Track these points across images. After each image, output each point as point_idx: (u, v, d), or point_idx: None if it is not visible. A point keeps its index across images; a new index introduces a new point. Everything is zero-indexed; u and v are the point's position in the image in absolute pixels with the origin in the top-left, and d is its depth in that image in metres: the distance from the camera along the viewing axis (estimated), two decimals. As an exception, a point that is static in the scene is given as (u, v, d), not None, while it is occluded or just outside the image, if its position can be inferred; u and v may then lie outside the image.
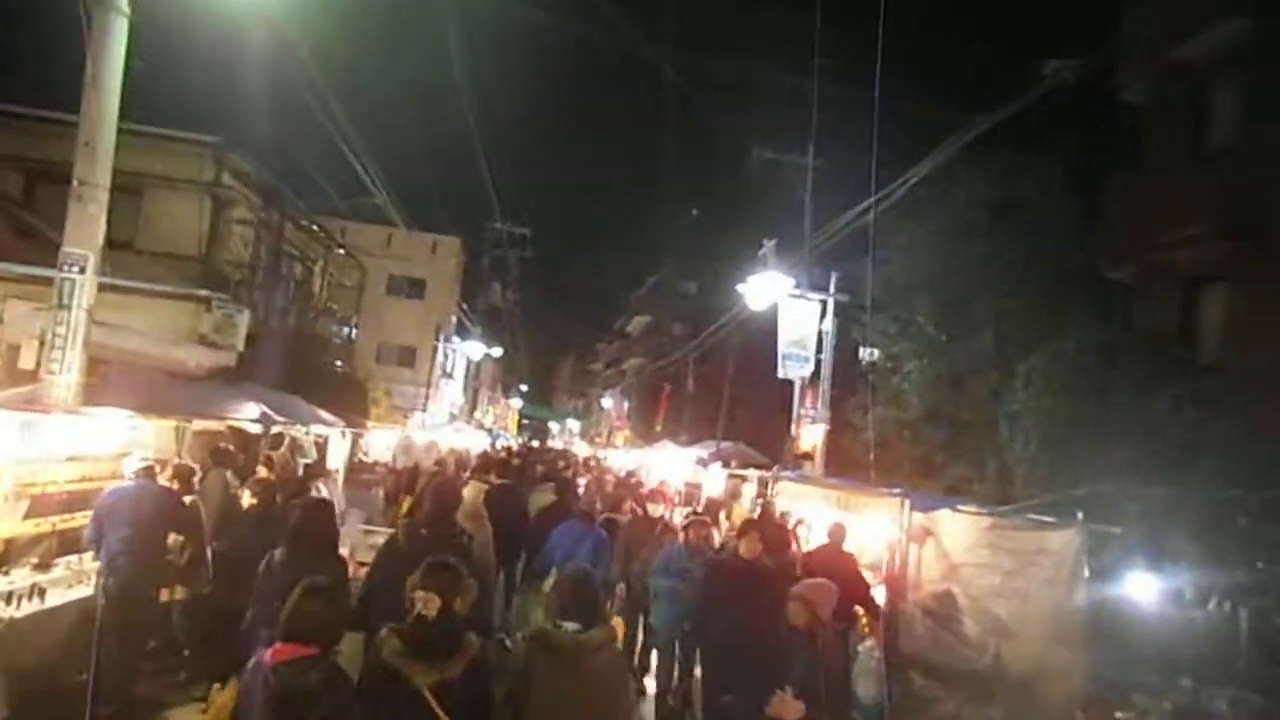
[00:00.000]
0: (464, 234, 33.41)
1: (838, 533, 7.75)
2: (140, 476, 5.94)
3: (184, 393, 8.00)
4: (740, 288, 12.74)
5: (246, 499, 6.21)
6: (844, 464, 13.01)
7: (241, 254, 12.76)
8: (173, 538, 6.08)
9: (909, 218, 11.88)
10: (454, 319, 34.63)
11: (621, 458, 31.21)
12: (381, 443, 18.51)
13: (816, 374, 12.87)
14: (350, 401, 16.16)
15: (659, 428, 32.44)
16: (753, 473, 18.18)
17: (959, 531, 6.93)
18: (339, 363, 18.27)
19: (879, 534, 7.70)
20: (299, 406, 10.12)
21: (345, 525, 11.94)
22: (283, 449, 8.62)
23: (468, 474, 11.36)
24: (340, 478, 11.13)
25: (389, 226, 32.52)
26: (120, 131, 12.76)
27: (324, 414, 10.75)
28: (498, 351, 36.65)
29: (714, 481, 18.57)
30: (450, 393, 32.03)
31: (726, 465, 19.30)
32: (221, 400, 8.26)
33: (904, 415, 11.46)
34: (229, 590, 5.77)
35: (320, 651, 2.95)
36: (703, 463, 20.88)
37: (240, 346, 11.19)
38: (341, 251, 17.35)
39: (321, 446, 10.96)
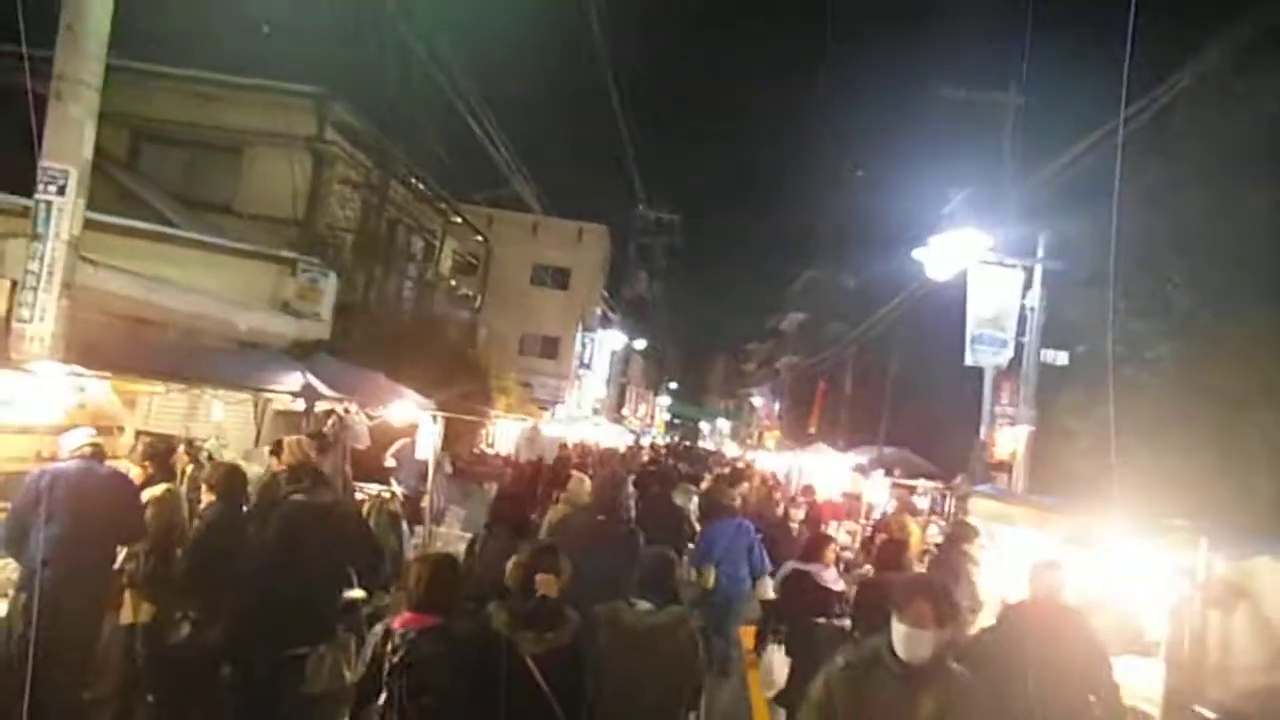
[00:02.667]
0: (610, 221, 32.12)
1: (1047, 578, 5.17)
2: (83, 456, 4.33)
3: (210, 359, 6.47)
4: (918, 253, 10.13)
5: (205, 496, 4.49)
6: (1052, 478, 10.12)
7: (342, 217, 11.50)
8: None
9: (1153, 153, 8.90)
10: (598, 310, 33.31)
11: (770, 460, 28.78)
12: (508, 435, 17.09)
13: (1017, 362, 10.06)
14: (471, 388, 14.71)
15: (813, 429, 29.66)
16: (923, 484, 15.44)
17: (1293, 594, 4.34)
18: (468, 350, 16.95)
19: (1145, 588, 5.09)
20: (372, 384, 8.54)
21: (442, 526, 10.35)
22: (298, 434, 6.93)
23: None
24: (431, 469, 9.49)
25: (534, 214, 31.72)
26: (219, 85, 11.95)
27: (410, 394, 9.13)
28: (641, 343, 34.97)
29: (876, 492, 15.96)
30: (591, 385, 30.65)
31: (889, 474, 16.69)
32: (262, 369, 6.69)
33: (1143, 418, 8.52)
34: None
35: (443, 623, 3.25)
36: (862, 470, 18.30)
37: (325, 315, 9.83)
38: (459, 221, 15.97)
39: (408, 433, 9.39)
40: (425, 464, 9.65)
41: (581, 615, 3.50)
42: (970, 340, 9.87)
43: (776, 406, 35.15)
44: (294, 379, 6.60)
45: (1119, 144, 7.05)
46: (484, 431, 16.12)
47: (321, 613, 4.66)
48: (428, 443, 9.57)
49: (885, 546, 6.52)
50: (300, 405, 6.63)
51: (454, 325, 16.55)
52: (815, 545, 6.03)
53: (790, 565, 5.76)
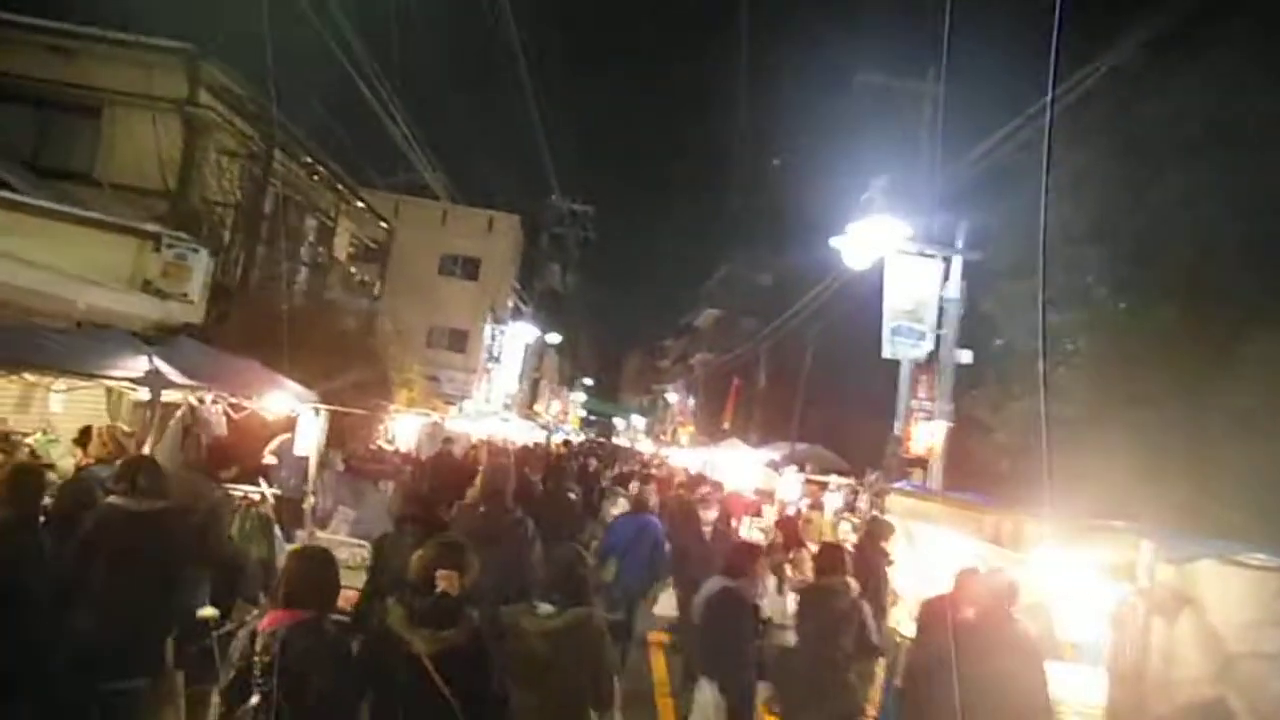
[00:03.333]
0: (522, 211, 31.17)
1: (999, 587, 4.80)
2: None
3: (31, 340, 5.50)
4: (835, 242, 9.77)
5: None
6: (968, 475, 9.93)
7: (220, 191, 10.42)
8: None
9: (1075, 143, 8.75)
10: (510, 303, 32.34)
11: (684, 456, 28.49)
12: (408, 431, 16.12)
13: (934, 355, 9.81)
14: (367, 380, 13.74)
15: (726, 425, 29.49)
16: (835, 480, 15.24)
17: (1236, 598, 4.04)
18: (365, 340, 15.89)
19: (1078, 592, 4.73)
20: (244, 372, 7.62)
21: (327, 529, 9.48)
22: (116, 423, 6.04)
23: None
24: (313, 466, 8.62)
25: (443, 202, 30.53)
26: (73, 37, 10.68)
27: (290, 384, 8.23)
28: (555, 338, 34.16)
29: (789, 488, 15.71)
30: (502, 380, 29.70)
31: (802, 469, 16.49)
32: (98, 353, 5.74)
33: (1063, 411, 8.34)
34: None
35: (317, 616, 3.08)
36: (775, 466, 18.07)
37: (195, 295, 8.81)
38: (359, 204, 14.93)
39: (283, 426, 8.50)
40: (306, 461, 8.78)
41: (479, 611, 3.38)
42: (888, 332, 9.57)
43: (691, 402, 34.90)
44: (139, 364, 5.70)
45: (1048, 124, 6.78)
46: (382, 427, 15.14)
47: (143, 639, 3.87)
48: (308, 438, 8.68)
49: (824, 551, 6.11)
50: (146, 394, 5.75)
51: (351, 314, 15.50)
52: (743, 557, 5.45)
53: (717, 583, 5.12)
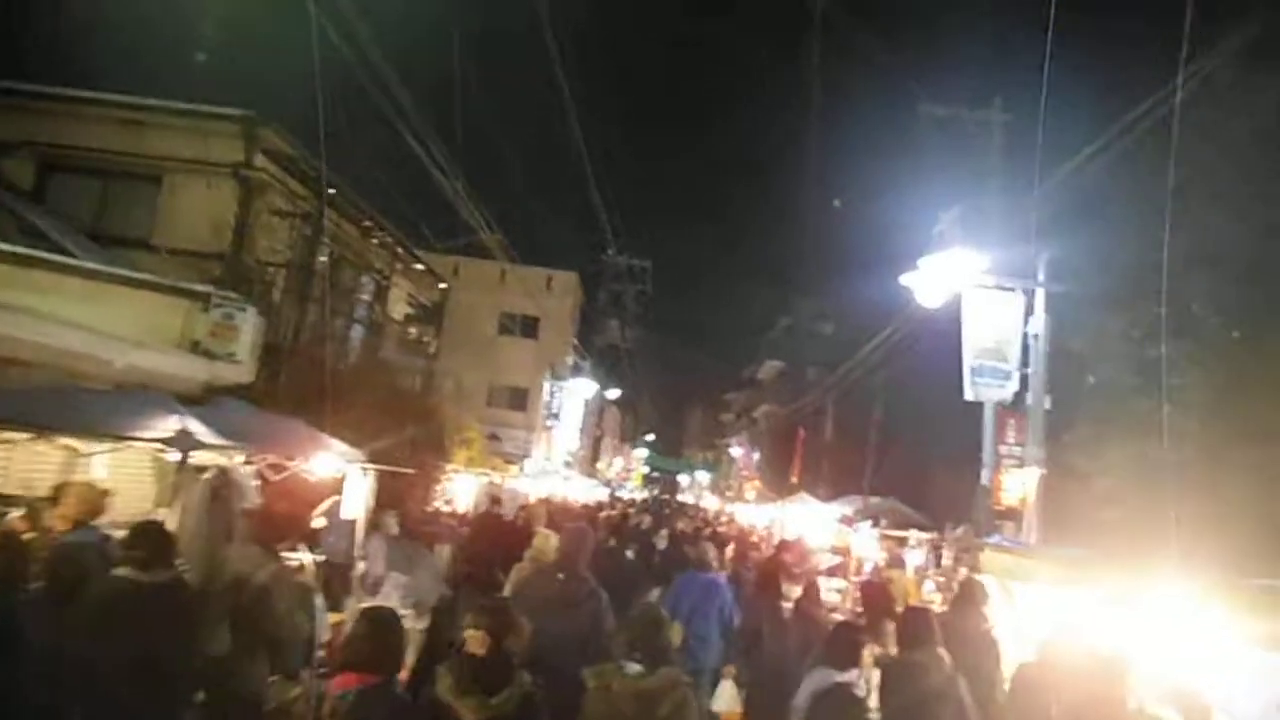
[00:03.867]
0: (579, 268, 31.22)
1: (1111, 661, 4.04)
2: None
3: (60, 401, 5.24)
4: (906, 279, 9.16)
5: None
6: (1064, 528, 9.04)
7: (273, 251, 10.38)
8: None
9: (1158, 163, 8.03)
10: (569, 360, 32.22)
11: (751, 512, 27.57)
12: (466, 491, 15.80)
13: (1021, 397, 9.04)
14: (424, 441, 13.47)
15: (794, 479, 28.49)
16: (914, 535, 14.30)
17: None
18: (422, 400, 15.70)
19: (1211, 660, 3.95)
20: (287, 432, 7.33)
21: (378, 596, 9.06)
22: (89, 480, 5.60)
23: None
24: (360, 530, 8.25)
25: (501, 262, 30.74)
26: (134, 108, 10.88)
27: (336, 444, 7.92)
28: (615, 393, 33.79)
29: (865, 546, 14.83)
30: (562, 437, 29.38)
31: (876, 525, 15.60)
32: (128, 413, 5.46)
33: (1173, 454, 7.47)
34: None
35: (384, 680, 3.07)
36: (848, 521, 17.17)
37: (243, 355, 8.64)
38: (420, 267, 14.89)
39: (333, 488, 8.14)
40: (354, 525, 8.42)
41: (548, 678, 3.34)
42: (969, 373, 8.84)
43: (755, 457, 34.01)
44: (169, 424, 5.40)
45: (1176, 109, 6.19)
46: (439, 488, 14.81)
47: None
48: (355, 500, 8.33)
49: (909, 617, 5.31)
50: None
51: (407, 373, 15.35)
52: (850, 641, 4.65)
53: (825, 677, 4.32)
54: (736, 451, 44.29)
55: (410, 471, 8.91)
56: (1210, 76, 7.81)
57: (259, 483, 6.32)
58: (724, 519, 28.21)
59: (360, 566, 9.32)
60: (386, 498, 11.84)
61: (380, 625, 3.24)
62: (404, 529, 12.16)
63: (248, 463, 6.10)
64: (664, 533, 11.45)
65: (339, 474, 8.12)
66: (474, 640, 3.22)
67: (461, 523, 13.29)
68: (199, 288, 8.57)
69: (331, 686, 3.08)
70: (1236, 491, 7.00)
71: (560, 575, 4.91)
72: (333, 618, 7.56)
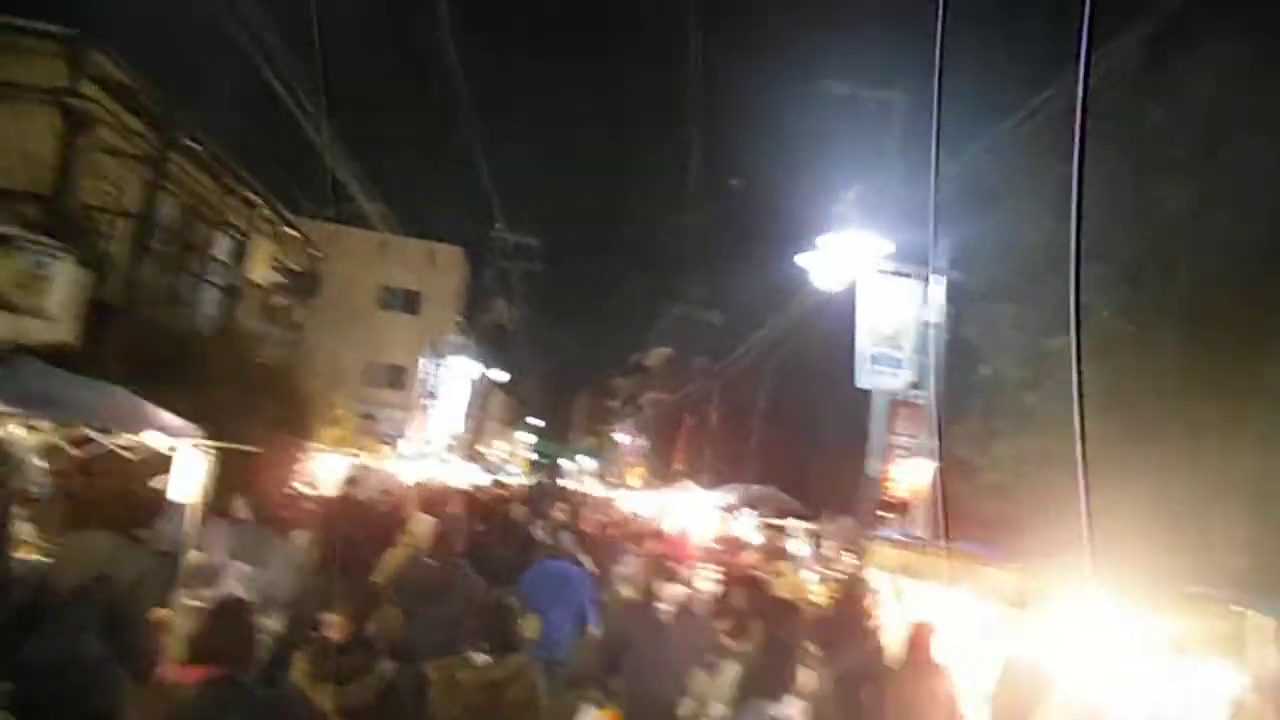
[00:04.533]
0: (465, 243, 29.91)
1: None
2: None
3: None
4: (802, 259, 8.79)
5: None
6: (952, 522, 8.89)
7: (105, 196, 9.05)
8: None
9: (1057, 152, 7.92)
10: (452, 339, 30.93)
11: (634, 500, 27.20)
12: (334, 473, 14.61)
13: (914, 387, 8.83)
14: (285, 418, 12.31)
15: (678, 466, 28.33)
16: (795, 525, 14.14)
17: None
18: (285, 373, 14.40)
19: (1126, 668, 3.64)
20: (102, 401, 6.24)
21: (212, 589, 8.02)
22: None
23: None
24: (189, 514, 7.20)
25: (381, 233, 29.16)
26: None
27: (166, 417, 6.85)
28: (500, 375, 32.71)
29: (746, 534, 14.62)
30: (443, 419, 28.15)
31: (757, 513, 15.45)
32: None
33: (1063, 448, 7.36)
34: None
35: (233, 673, 2.96)
36: (730, 509, 16.97)
37: (56, 311, 7.41)
38: (289, 230, 13.58)
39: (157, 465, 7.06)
40: (184, 509, 7.34)
41: (413, 668, 3.31)
42: (864, 359, 8.55)
43: (641, 443, 33.71)
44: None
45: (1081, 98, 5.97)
46: (300, 469, 13.62)
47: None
48: (187, 481, 7.27)
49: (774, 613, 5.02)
50: None
51: (268, 344, 14.05)
52: (777, 665, 4.30)
53: (759, 713, 4.08)
54: (622, 438, 43.98)
55: (259, 451, 7.87)
56: (1110, 70, 7.73)
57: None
58: (605, 506, 27.76)
59: (193, 555, 8.26)
60: (238, 479, 10.69)
61: (229, 615, 3.13)
62: (257, 514, 11.02)
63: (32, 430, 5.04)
64: (539, 522, 10.80)
65: (169, 451, 7.06)
66: (331, 627, 3.27)
67: (322, 507, 12.23)
68: (-1, 229, 7.28)
69: (177, 680, 2.98)
70: (1129, 489, 6.92)
71: (433, 561, 4.85)
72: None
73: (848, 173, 10.14)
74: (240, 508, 10.91)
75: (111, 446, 5.97)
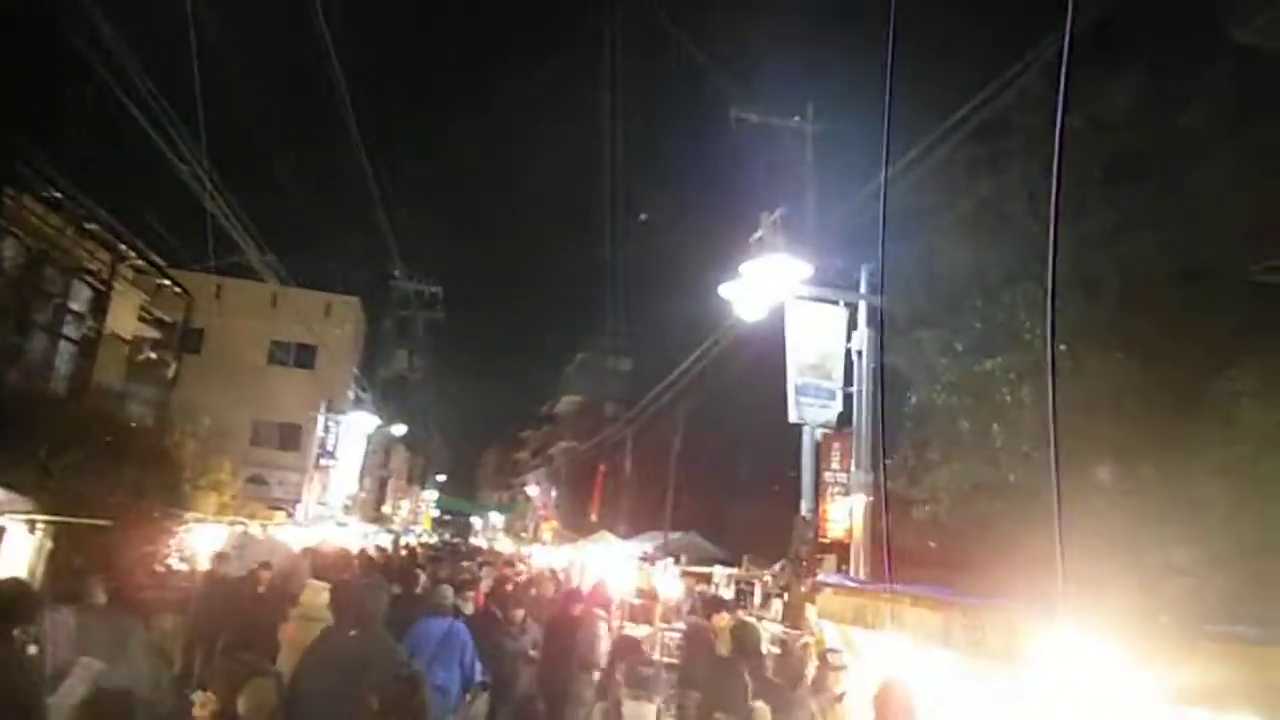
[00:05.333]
0: (362, 293, 28.55)
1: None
2: None
3: None
4: (724, 289, 8.27)
5: None
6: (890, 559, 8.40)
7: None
8: None
9: (984, 172, 7.72)
10: (350, 393, 29.35)
11: (549, 554, 26.09)
12: (211, 543, 13.15)
13: (843, 419, 8.37)
14: (154, 485, 10.97)
15: (594, 517, 27.40)
16: (719, 570, 13.54)
17: None
18: (153, 436, 12.97)
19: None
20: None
21: (55, 695, 6.75)
22: None
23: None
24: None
25: (273, 285, 27.56)
26: None
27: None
28: (401, 429, 31.18)
29: (667, 584, 13.90)
30: (340, 479, 26.48)
31: (677, 561, 14.84)
32: None
33: (1001, 476, 7.00)
34: None
35: None
36: (648, 559, 16.26)
37: None
38: (159, 278, 12.27)
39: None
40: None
41: None
42: (793, 392, 8.05)
43: (553, 495, 32.65)
44: None
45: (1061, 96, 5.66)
46: (170, 541, 12.16)
47: None
48: (13, 564, 6.10)
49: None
50: None
51: (136, 403, 12.65)
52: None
53: None
54: (533, 490, 42.69)
55: (115, 524, 6.70)
56: (1027, 87, 7.60)
57: None
58: (514, 562, 26.53)
59: (30, 651, 6.97)
60: (94, 558, 9.34)
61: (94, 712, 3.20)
62: (114, 597, 9.64)
63: None
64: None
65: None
66: (201, 702, 3.07)
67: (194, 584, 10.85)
68: None
69: None
70: (1074, 517, 6.55)
71: (353, 632, 4.54)
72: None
73: (763, 203, 9.80)
74: (95, 592, 9.51)
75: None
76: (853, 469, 8.13)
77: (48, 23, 9.81)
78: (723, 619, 6.28)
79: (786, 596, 9.52)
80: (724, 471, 21.65)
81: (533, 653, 7.76)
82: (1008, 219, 7.63)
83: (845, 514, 8.21)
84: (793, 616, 8.39)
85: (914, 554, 8.75)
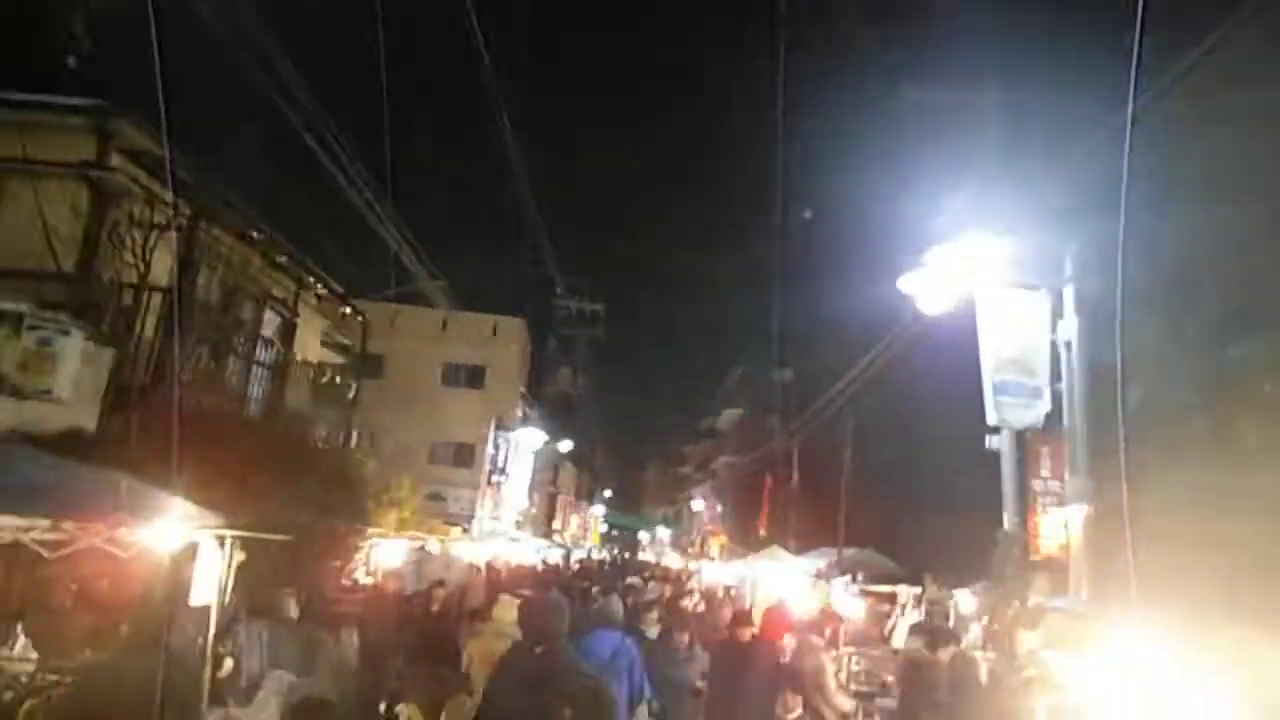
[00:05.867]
0: (526, 313, 29.36)
1: None
2: None
3: None
4: (905, 283, 7.54)
5: None
6: (1103, 577, 7.31)
7: (130, 271, 8.41)
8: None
9: (1207, 122, 6.60)
10: (518, 411, 30.15)
11: (717, 570, 25.55)
12: (392, 558, 13.61)
13: (1050, 420, 7.38)
14: (341, 503, 11.39)
15: (762, 532, 26.61)
16: (905, 591, 12.54)
17: None
18: (336, 456, 13.58)
19: None
20: (98, 490, 5.31)
21: (252, 704, 6.98)
22: None
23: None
24: (217, 617, 6.17)
25: (443, 310, 28.88)
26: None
27: (177, 503, 5.87)
28: (567, 445, 31.68)
29: (846, 604, 13.05)
30: (511, 495, 27.16)
31: (854, 580, 13.85)
32: None
33: (1257, 482, 5.86)
34: None
35: None
36: (821, 576, 15.39)
37: (64, 393, 6.62)
38: (324, 293, 12.90)
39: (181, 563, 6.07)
40: (208, 612, 6.32)
41: None
42: (992, 391, 7.17)
43: (719, 509, 32.12)
44: None
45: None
46: (360, 556, 12.64)
47: None
48: (206, 578, 6.26)
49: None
50: None
51: (323, 425, 13.27)
52: None
53: None
54: (697, 505, 42.28)
55: (293, 539, 6.85)
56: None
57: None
58: (675, 575, 26.14)
59: (227, 665, 7.19)
60: (283, 573, 9.70)
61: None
62: (305, 612, 9.96)
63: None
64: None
65: (184, 546, 6.07)
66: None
67: (379, 596, 11.14)
68: (7, 306, 6.56)
69: None
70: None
71: (539, 649, 4.53)
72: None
73: (940, 188, 8.94)
74: (289, 606, 9.81)
75: (93, 543, 4.99)
76: (1067, 476, 7.14)
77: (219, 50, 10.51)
78: (948, 651, 5.54)
79: (986, 620, 8.57)
80: (898, 483, 20.39)
81: (700, 684, 6.91)
82: (1255, 172, 6.45)
83: (1059, 527, 7.21)
84: (999, 644, 7.46)
85: (1136, 570, 7.60)
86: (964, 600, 9.29)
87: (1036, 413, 7.16)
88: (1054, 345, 7.30)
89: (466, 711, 3.68)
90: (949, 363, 9.04)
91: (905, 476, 19.19)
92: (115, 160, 8.56)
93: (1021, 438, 7.90)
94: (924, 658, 5.87)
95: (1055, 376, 7.23)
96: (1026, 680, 5.37)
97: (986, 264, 7.12)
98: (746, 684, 6.15)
